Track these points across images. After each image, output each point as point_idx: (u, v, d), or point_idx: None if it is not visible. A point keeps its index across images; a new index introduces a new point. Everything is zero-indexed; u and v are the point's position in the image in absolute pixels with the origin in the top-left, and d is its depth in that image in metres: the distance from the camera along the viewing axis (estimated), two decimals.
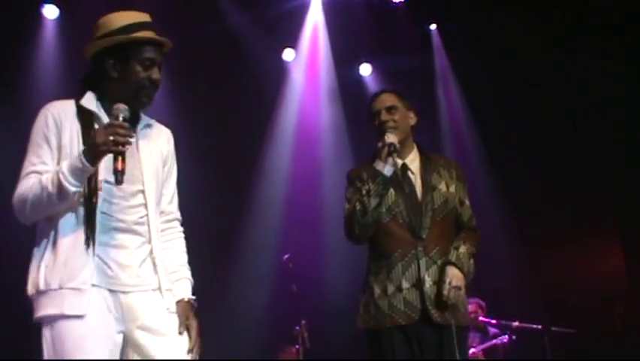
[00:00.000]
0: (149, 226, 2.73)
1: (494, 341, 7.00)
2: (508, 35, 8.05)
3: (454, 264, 3.66)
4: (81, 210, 2.63)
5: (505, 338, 6.96)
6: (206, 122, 7.40)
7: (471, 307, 7.63)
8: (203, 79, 7.61)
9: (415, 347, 3.60)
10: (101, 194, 2.63)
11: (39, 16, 7.26)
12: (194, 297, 2.82)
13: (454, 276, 3.62)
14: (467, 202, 3.94)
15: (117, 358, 2.62)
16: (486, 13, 7.94)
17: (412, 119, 3.93)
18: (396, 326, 3.60)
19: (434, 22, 8.77)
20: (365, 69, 8.78)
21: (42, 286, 2.59)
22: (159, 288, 2.72)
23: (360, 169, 3.84)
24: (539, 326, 6.82)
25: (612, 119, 7.94)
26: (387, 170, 3.59)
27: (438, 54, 8.88)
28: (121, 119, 2.60)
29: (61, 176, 2.54)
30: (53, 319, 2.57)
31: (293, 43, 8.39)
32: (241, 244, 7.91)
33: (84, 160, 2.53)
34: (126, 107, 2.62)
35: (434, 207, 3.74)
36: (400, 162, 3.74)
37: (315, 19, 8.36)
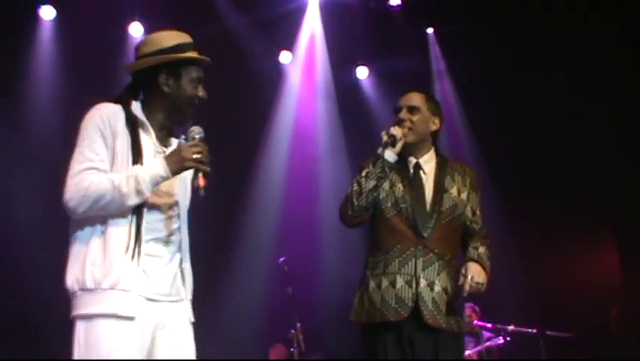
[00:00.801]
0: (181, 235, 2.86)
1: (488, 344, 6.99)
2: (504, 38, 8.06)
3: (476, 261, 3.66)
4: (129, 216, 2.71)
5: (499, 340, 6.95)
6: (202, 124, 7.39)
7: (467, 311, 7.64)
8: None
9: (407, 348, 3.56)
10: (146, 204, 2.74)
11: (36, 17, 7.26)
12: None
13: (477, 272, 3.61)
14: (479, 212, 3.90)
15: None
16: (482, 17, 7.95)
17: (435, 125, 3.86)
18: (388, 324, 3.57)
19: (431, 26, 8.78)
20: (362, 72, 8.78)
21: (90, 285, 2.63)
22: (185, 298, 2.86)
23: (370, 159, 3.81)
24: (534, 331, 6.81)
25: (610, 122, 7.94)
26: (388, 155, 3.66)
27: (434, 57, 8.89)
28: (197, 139, 2.82)
29: (141, 180, 2.66)
30: (99, 317, 2.62)
31: (290, 45, 8.40)
32: (237, 246, 7.92)
33: (168, 170, 2.70)
34: (201, 130, 2.85)
35: (441, 210, 3.71)
36: (413, 160, 3.79)
37: (312, 21, 8.37)
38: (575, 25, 7.67)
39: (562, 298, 7.97)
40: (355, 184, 3.67)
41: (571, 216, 8.11)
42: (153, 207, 2.77)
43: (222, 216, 7.53)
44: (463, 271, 3.61)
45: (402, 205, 3.68)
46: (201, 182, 2.72)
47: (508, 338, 6.88)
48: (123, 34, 7.61)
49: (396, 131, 3.69)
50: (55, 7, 7.24)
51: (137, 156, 2.75)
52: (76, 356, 2.64)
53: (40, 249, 6.80)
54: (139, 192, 2.66)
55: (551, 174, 8.21)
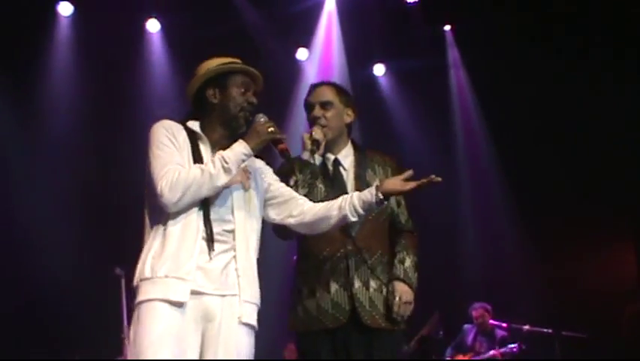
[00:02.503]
0: (235, 238, 2.93)
1: (503, 350, 6.99)
2: (521, 36, 8.02)
3: (402, 280, 3.50)
4: (189, 213, 2.86)
5: (515, 348, 6.93)
6: None
7: (476, 313, 7.63)
8: None
9: (342, 353, 3.41)
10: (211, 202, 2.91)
11: (54, 13, 7.29)
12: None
13: (404, 292, 3.47)
14: (404, 202, 3.72)
15: (196, 352, 2.82)
16: (499, 14, 7.91)
17: (349, 117, 3.65)
18: (324, 331, 3.42)
19: (448, 23, 8.76)
20: (379, 69, 8.77)
21: (147, 274, 2.80)
22: (238, 296, 2.88)
23: (286, 167, 3.53)
24: (550, 331, 6.78)
25: (626, 120, 7.89)
26: (315, 158, 3.46)
27: (451, 55, 8.87)
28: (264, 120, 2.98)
29: (226, 158, 2.84)
30: (152, 301, 2.76)
31: (307, 42, 8.39)
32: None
33: (247, 145, 2.88)
34: (264, 115, 3.01)
35: None
36: (332, 157, 3.60)
37: (328, 19, 8.36)
38: (597, 22, 7.64)
39: (577, 298, 7.93)
40: None
41: (588, 217, 8.06)
42: (213, 205, 2.91)
43: None
44: (390, 289, 3.48)
45: None
46: (285, 146, 2.96)
47: (523, 346, 6.85)
48: (140, 31, 7.64)
49: (318, 135, 3.49)
50: (72, 4, 7.28)
51: (197, 162, 2.90)
52: (131, 338, 2.81)
53: (54, 243, 6.85)
54: (227, 170, 2.83)
55: (568, 175, 8.16)
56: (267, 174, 3.16)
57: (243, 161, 2.91)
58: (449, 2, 8.24)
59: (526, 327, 6.98)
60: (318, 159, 3.49)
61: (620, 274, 8.43)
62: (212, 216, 2.89)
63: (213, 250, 2.85)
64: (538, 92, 8.14)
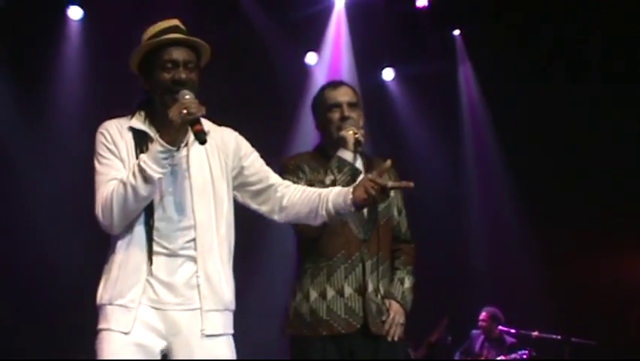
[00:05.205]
0: (195, 248, 2.69)
1: (513, 356, 6.95)
2: (531, 40, 8.01)
3: (399, 302, 3.45)
4: (137, 230, 2.65)
5: (525, 354, 6.90)
6: (227, 125, 7.40)
7: (482, 316, 7.60)
8: (225, 82, 7.62)
9: (347, 358, 3.31)
10: (156, 217, 2.65)
11: (64, 18, 7.31)
12: None
13: (399, 313, 3.42)
14: (404, 210, 3.65)
15: None
16: (509, 18, 7.90)
17: (362, 121, 3.55)
18: (329, 337, 3.29)
19: (457, 28, 8.74)
20: (388, 74, 8.76)
21: (98, 300, 2.69)
22: (200, 309, 2.70)
23: (296, 159, 3.52)
24: (559, 337, 6.74)
25: (636, 123, 7.87)
26: (357, 161, 3.35)
27: (461, 59, 8.85)
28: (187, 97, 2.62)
29: (142, 164, 2.54)
30: (102, 331, 2.66)
31: (316, 47, 8.39)
32: (263, 248, 7.89)
33: (162, 142, 2.55)
34: (189, 92, 2.62)
35: (379, 210, 3.44)
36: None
37: (338, 23, 8.35)
38: (608, 26, 7.62)
39: (587, 304, 7.89)
40: None
41: (598, 222, 8.03)
42: (162, 219, 2.67)
43: (248, 217, 7.52)
44: (386, 307, 3.41)
45: None
46: (198, 127, 2.58)
47: (533, 353, 6.82)
48: None
49: (361, 136, 3.37)
50: (82, 8, 7.29)
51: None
52: None
53: (60, 244, 6.86)
54: (147, 179, 2.54)
55: (578, 180, 8.12)
56: (241, 152, 2.87)
57: (165, 160, 2.57)
58: (458, 7, 8.23)
59: (535, 333, 6.95)
60: (358, 162, 3.36)
61: (631, 280, 8.39)
62: (163, 224, 2.65)
63: (169, 266, 2.65)
64: (549, 97, 8.11)
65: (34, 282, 6.79)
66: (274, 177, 2.89)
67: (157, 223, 2.66)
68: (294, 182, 3.27)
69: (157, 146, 2.55)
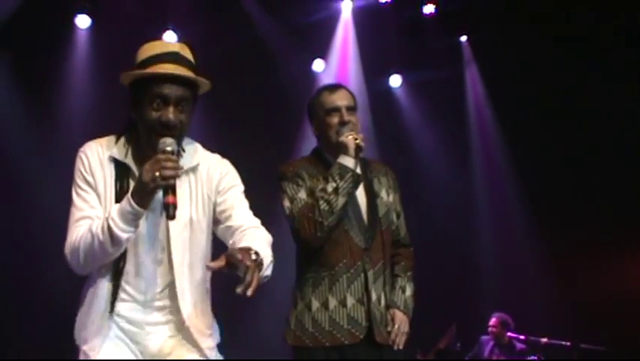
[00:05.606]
0: (169, 296, 2.56)
1: None
2: (537, 47, 8.00)
3: (402, 311, 3.42)
4: (105, 272, 2.51)
5: (534, 359, 6.87)
6: (235, 132, 7.42)
7: (491, 322, 7.58)
8: (233, 89, 7.65)
9: None
10: (127, 259, 2.50)
11: (72, 26, 7.33)
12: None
13: (403, 322, 3.39)
14: (403, 214, 3.60)
15: None
16: (516, 25, 7.90)
17: (360, 124, 3.51)
18: (332, 347, 3.23)
19: (464, 34, 8.75)
20: (395, 80, 8.76)
21: (75, 337, 2.60)
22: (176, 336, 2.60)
23: (294, 166, 3.45)
24: (568, 343, 6.72)
25: None
26: (358, 168, 3.28)
27: (468, 65, 8.85)
28: (168, 152, 2.39)
29: (111, 222, 2.36)
30: None
31: (323, 54, 8.39)
32: (276, 253, 7.89)
33: (132, 203, 2.34)
34: (173, 141, 2.41)
35: (378, 217, 3.40)
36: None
37: (345, 30, 8.36)
38: (610, 33, 7.60)
39: (596, 310, 7.86)
40: (323, 203, 3.21)
41: (606, 228, 8.00)
42: (135, 264, 2.52)
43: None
44: (390, 317, 3.37)
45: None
46: (169, 199, 2.34)
47: (543, 359, 6.80)
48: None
49: (361, 141, 3.31)
50: (90, 16, 7.31)
51: (118, 203, 2.45)
52: None
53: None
54: (114, 239, 2.36)
55: (587, 185, 8.10)
56: (220, 186, 2.63)
57: (135, 220, 2.37)
58: (466, 13, 8.24)
59: (545, 339, 6.92)
60: (357, 168, 3.30)
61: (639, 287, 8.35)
62: (133, 268, 2.50)
63: (141, 312, 2.54)
64: (556, 103, 8.10)
65: (39, 284, 6.80)
66: (238, 219, 2.61)
67: (127, 266, 2.51)
68: (294, 190, 3.33)
69: (127, 205, 2.35)
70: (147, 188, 2.33)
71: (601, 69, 7.72)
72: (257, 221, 2.64)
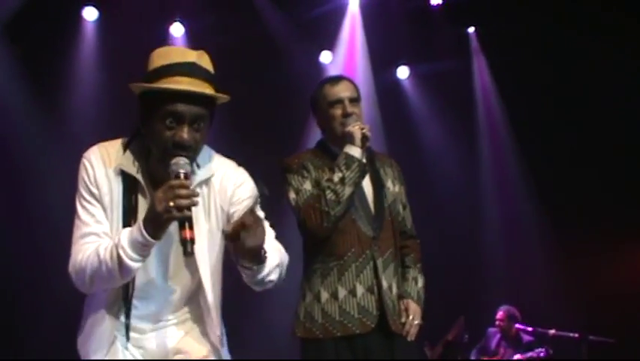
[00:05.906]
0: (189, 310, 2.47)
1: (530, 354, 6.92)
2: (546, 38, 7.97)
3: (415, 301, 3.43)
4: (113, 291, 2.37)
5: (542, 352, 6.86)
6: (242, 125, 7.41)
7: (499, 315, 7.57)
8: (240, 81, 7.65)
9: (362, 358, 3.25)
10: (137, 279, 2.35)
11: (79, 18, 7.33)
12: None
13: (417, 313, 3.39)
14: (408, 205, 3.60)
15: None
16: (524, 16, 7.86)
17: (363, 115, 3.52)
18: (343, 337, 3.23)
19: (472, 25, 8.72)
20: (402, 72, 8.74)
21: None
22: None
23: (300, 158, 3.43)
24: (576, 335, 6.70)
25: None
26: (364, 157, 3.28)
27: (476, 57, 8.83)
28: (182, 176, 2.19)
29: (121, 251, 2.19)
30: None
31: (330, 45, 8.38)
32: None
33: (145, 234, 2.17)
34: (187, 162, 2.21)
35: (385, 206, 3.42)
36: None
37: (352, 21, 8.34)
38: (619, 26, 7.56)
39: (605, 302, 7.84)
40: (330, 192, 3.21)
41: (615, 219, 7.98)
42: (146, 283, 2.40)
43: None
44: (403, 308, 3.38)
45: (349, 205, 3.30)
46: (186, 234, 2.15)
47: (550, 351, 6.78)
48: (165, 35, 7.67)
49: (368, 131, 3.29)
50: (97, 8, 7.31)
51: (126, 219, 2.31)
52: None
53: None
54: (123, 268, 2.21)
55: (596, 177, 8.07)
56: (233, 198, 2.44)
57: (147, 250, 2.21)
58: (473, 4, 8.20)
59: (552, 331, 6.91)
60: (364, 158, 3.30)
61: None
62: (144, 287, 2.37)
63: (148, 331, 2.43)
64: (565, 95, 8.07)
65: (42, 285, 6.81)
66: None
67: (137, 281, 2.37)
68: (299, 181, 3.32)
69: (138, 235, 2.18)
70: (161, 219, 2.15)
71: (613, 59, 7.68)
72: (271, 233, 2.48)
